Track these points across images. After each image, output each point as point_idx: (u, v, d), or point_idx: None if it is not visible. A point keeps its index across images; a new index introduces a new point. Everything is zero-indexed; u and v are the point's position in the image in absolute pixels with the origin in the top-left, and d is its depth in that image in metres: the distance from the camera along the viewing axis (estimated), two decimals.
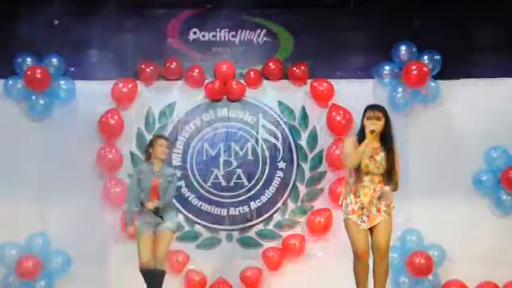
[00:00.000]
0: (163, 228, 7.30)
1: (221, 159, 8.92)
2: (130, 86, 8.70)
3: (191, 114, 8.90)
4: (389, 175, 6.15)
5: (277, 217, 8.92)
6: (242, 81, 8.86)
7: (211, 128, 8.96)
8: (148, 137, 8.52)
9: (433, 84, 8.81)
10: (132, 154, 8.81)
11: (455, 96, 8.91)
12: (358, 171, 6.06)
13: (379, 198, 6.07)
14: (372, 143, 6.08)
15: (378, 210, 6.15)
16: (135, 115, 8.81)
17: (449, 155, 8.84)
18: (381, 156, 6.15)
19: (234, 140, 8.86)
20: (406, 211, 8.36)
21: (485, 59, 8.78)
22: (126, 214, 7.38)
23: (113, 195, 8.54)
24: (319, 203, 8.90)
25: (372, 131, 5.98)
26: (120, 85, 8.68)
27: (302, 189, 8.99)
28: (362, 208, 6.10)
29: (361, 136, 6.13)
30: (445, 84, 8.84)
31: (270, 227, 8.94)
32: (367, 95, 8.51)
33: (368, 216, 6.13)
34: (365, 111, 6.18)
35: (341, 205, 6.28)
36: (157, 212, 7.25)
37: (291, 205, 8.94)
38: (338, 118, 8.78)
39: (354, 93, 8.66)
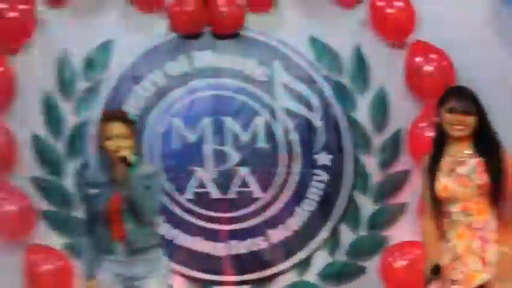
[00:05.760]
0: (149, 283, 5.39)
1: (208, 149, 6.61)
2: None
3: (144, 63, 6.63)
4: (498, 196, 4.70)
5: (321, 257, 6.74)
6: None
7: (184, 90, 6.64)
8: (66, 106, 6.53)
9: None
10: (37, 138, 6.64)
11: None
12: (437, 197, 4.86)
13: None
14: (455, 150, 4.84)
15: (483, 263, 4.69)
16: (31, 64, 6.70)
17: None
18: (471, 165, 4.76)
19: (229, 113, 6.73)
20: None
21: None
22: (82, 263, 5.74)
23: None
24: (400, 232, 6.63)
25: (456, 128, 4.75)
26: None
27: (367, 206, 6.74)
28: (454, 260, 4.82)
29: (439, 147, 4.85)
30: None
31: (311, 276, 6.73)
32: (486, 29, 6.49)
33: (463, 272, 4.78)
34: (444, 96, 4.87)
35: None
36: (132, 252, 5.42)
37: (346, 235, 6.85)
38: (427, 68, 6.38)
39: (456, 22, 6.46)
